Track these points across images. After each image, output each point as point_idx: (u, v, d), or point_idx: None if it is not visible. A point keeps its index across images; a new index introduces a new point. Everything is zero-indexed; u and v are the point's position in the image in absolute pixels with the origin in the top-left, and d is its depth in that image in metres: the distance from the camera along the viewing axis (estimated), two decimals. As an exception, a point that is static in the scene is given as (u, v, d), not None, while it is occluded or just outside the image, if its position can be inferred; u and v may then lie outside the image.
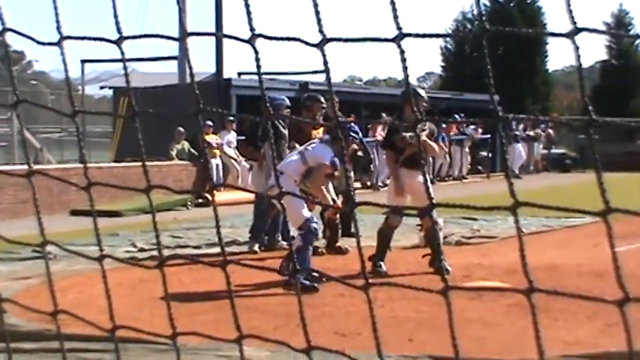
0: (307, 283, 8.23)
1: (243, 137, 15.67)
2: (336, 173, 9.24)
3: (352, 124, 10.16)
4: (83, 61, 32.18)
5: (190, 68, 2.21)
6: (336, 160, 9.07)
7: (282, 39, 1.95)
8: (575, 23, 1.58)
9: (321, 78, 35.86)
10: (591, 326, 6.65)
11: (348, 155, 11.89)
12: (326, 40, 1.86)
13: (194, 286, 8.52)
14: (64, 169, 18.92)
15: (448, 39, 48.36)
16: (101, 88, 36.14)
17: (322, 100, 11.65)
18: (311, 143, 9.57)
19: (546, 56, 47.05)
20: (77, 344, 5.92)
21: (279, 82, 25.54)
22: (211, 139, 21.93)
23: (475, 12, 47.16)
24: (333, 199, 11.10)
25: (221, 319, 5.90)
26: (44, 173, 2.62)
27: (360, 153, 14.19)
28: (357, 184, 21.51)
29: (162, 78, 29.25)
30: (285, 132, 11.65)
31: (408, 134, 9.49)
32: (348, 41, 1.89)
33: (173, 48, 28.31)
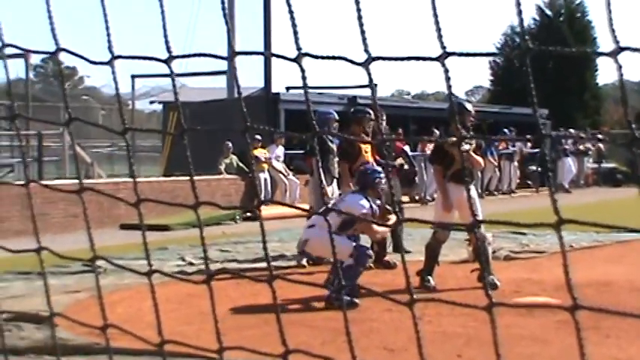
0: (347, 298, 8.19)
1: (302, 151, 15.76)
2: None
3: (376, 166, 10.05)
4: (133, 77, 32.55)
5: (238, 86, 2.23)
6: (374, 205, 9.05)
7: (328, 58, 1.95)
8: (617, 42, 1.56)
9: (369, 92, 35.89)
10: (643, 343, 6.55)
11: (395, 170, 11.85)
12: (371, 59, 1.86)
13: (242, 301, 8.53)
14: (114, 184, 19.10)
15: (496, 53, 48.03)
16: (151, 102, 36.52)
17: (370, 112, 11.63)
18: (345, 195, 9.63)
19: (596, 70, 46.61)
20: (125, 358, 5.96)
21: (327, 97, 25.59)
22: (260, 153, 22.01)
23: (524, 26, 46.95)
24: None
25: (269, 334, 5.90)
26: (94, 189, 2.65)
27: (405, 166, 14.19)
28: (405, 198, 21.45)
29: (211, 93, 29.48)
30: (333, 146, 11.66)
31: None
32: (393, 60, 1.89)
33: (222, 63, 28.51)
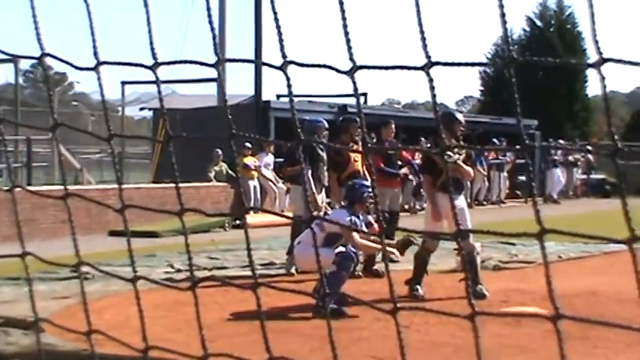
0: (334, 307, 8.19)
1: (282, 159, 15.74)
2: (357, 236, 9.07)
3: (366, 182, 10.01)
4: (123, 83, 32.47)
5: (224, 93, 2.25)
6: (355, 219, 9.03)
7: (313, 66, 1.96)
8: (601, 53, 1.58)
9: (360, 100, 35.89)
10: (631, 354, 6.56)
11: (398, 180, 11.88)
12: (356, 68, 1.87)
13: (230, 308, 8.52)
14: (103, 190, 19.08)
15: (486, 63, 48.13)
16: (141, 109, 36.41)
17: (358, 121, 11.64)
18: (333, 212, 9.62)
19: (586, 81, 46.71)
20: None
21: (317, 105, 25.59)
22: (249, 161, 22.01)
23: (514, 36, 47.24)
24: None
25: (257, 342, 5.88)
26: (80, 195, 2.64)
27: (410, 177, 14.22)
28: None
29: (201, 100, 29.43)
30: (324, 154, 11.65)
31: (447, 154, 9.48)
32: (378, 69, 1.90)
33: (212, 70, 28.44)
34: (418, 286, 9.53)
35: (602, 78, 1.60)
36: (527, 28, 47.32)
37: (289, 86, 2.01)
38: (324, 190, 11.77)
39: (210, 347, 2.30)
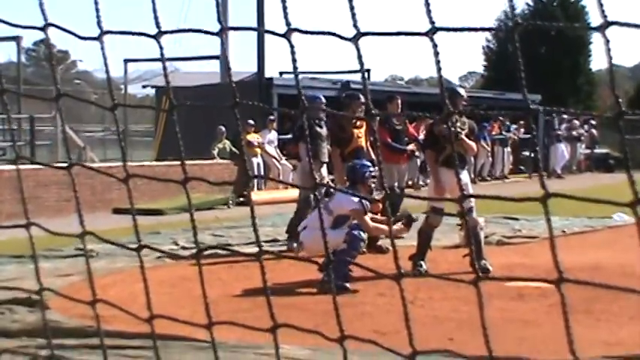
0: (339, 283, 8.21)
1: (288, 136, 15.75)
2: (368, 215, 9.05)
3: (367, 162, 9.96)
4: (126, 61, 32.44)
5: (227, 62, 2.24)
6: (364, 202, 9.00)
7: (317, 33, 1.96)
8: (605, 17, 1.56)
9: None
10: (634, 327, 6.58)
11: (405, 156, 11.85)
12: (360, 35, 1.86)
13: (234, 285, 8.53)
14: (107, 167, 19.09)
15: (490, 38, 47.95)
16: (144, 87, 36.37)
17: (361, 97, 11.60)
18: (334, 194, 9.54)
19: (590, 55, 46.55)
20: (118, 341, 5.98)
21: (320, 82, 25.53)
22: (253, 138, 22.00)
23: (518, 11, 46.97)
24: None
25: (261, 317, 5.90)
26: (84, 166, 2.65)
27: (417, 153, 14.20)
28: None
29: (204, 77, 29.39)
30: (322, 131, 11.62)
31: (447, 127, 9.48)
32: (381, 35, 1.89)
33: (215, 48, 28.48)
34: (422, 262, 9.55)
35: (607, 41, 1.59)
36: (531, 3, 47.14)
37: (293, 53, 2.01)
38: (325, 167, 11.75)
39: (211, 316, 2.31)
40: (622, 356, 5.52)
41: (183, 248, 11.43)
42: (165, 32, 2.20)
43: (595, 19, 1.60)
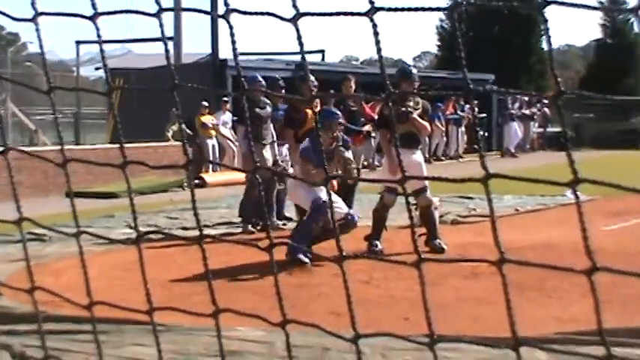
0: (299, 256, 8.35)
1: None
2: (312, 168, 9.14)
3: (335, 109, 10.12)
4: (78, 42, 32.07)
5: (165, 44, 2.22)
6: (305, 151, 9.12)
7: (255, 14, 1.95)
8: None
9: (317, 58, 35.78)
10: (585, 304, 6.65)
11: (361, 137, 11.85)
12: (299, 15, 1.86)
13: (189, 267, 8.50)
14: (59, 151, 18.87)
15: (444, 18, 48.06)
16: (96, 69, 36.02)
17: (314, 79, 11.60)
18: None
19: (541, 35, 46.90)
20: (70, 326, 5.94)
21: (274, 63, 25.46)
22: (207, 119, 21.92)
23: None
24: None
25: (218, 299, 5.90)
26: (19, 150, 2.61)
27: (373, 134, 14.23)
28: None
29: (158, 59, 29.15)
30: (263, 112, 11.57)
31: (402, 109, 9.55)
32: (321, 15, 1.90)
33: (169, 29, 28.20)
34: (377, 242, 9.59)
35: (545, 20, 1.62)
36: (484, -17, 47.35)
37: (232, 35, 2.00)
38: (268, 148, 11.68)
39: (152, 301, 2.30)
40: (574, 332, 5.59)
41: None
42: (102, 13, 2.18)
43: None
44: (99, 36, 2.23)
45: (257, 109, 11.42)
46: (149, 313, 2.24)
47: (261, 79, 11.88)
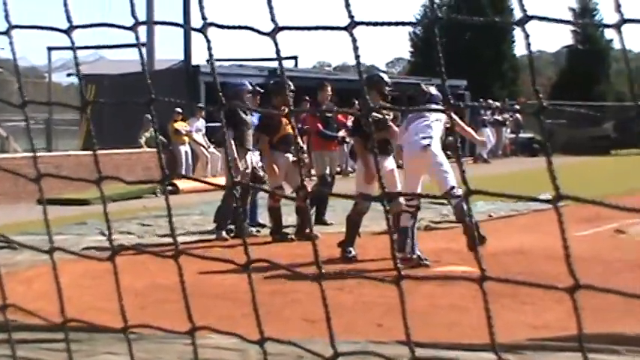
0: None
1: (213, 124, 15.70)
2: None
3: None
4: (50, 49, 31.87)
5: (142, 57, 2.20)
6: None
7: (234, 27, 1.94)
8: (525, 11, 1.59)
9: (289, 64, 35.79)
10: (559, 310, 6.69)
11: (336, 143, 11.93)
12: (278, 29, 1.85)
13: (163, 275, 8.46)
14: (31, 158, 18.74)
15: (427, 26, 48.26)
16: (68, 75, 35.80)
17: (290, 84, 11.63)
18: None
19: (513, 42, 47.22)
20: (43, 335, 5.88)
21: (247, 69, 25.46)
22: (180, 126, 21.86)
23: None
24: (304, 185, 11.06)
25: (191, 308, 5.87)
26: None
27: (347, 139, 14.26)
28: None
29: (131, 65, 29.05)
30: (248, 118, 11.58)
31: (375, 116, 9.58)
32: (299, 29, 1.89)
33: (141, 35, 28.03)
34: (351, 248, 9.59)
35: (527, 36, 1.62)
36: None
37: (209, 49, 1.99)
38: (250, 154, 11.69)
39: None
40: (547, 338, 5.62)
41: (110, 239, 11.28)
42: (77, 27, 2.16)
43: (517, 8, 1.63)
44: (74, 49, 2.22)
45: (243, 115, 11.43)
46: (124, 331, 2.22)
47: (248, 84, 11.94)
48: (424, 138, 9.30)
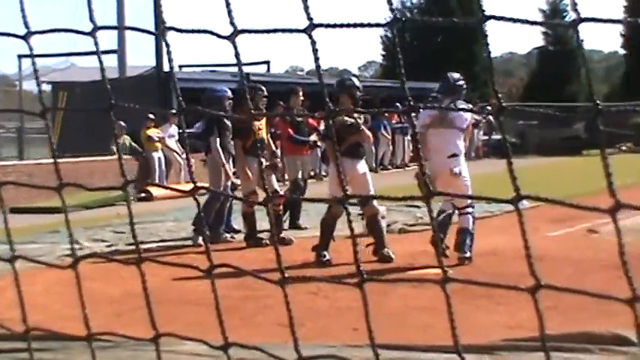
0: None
1: (193, 130, 15.66)
2: None
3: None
4: (20, 56, 31.69)
5: (101, 62, 2.19)
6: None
7: (193, 31, 1.94)
8: (483, 11, 1.61)
9: (262, 69, 35.78)
10: (532, 310, 6.72)
11: (308, 147, 11.97)
12: (237, 32, 1.85)
13: (135, 282, 8.39)
14: (2, 167, 18.62)
15: (388, 28, 48.30)
16: (38, 85, 35.57)
17: (263, 89, 11.66)
18: None
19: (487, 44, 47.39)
20: (15, 344, 5.84)
21: (220, 74, 25.42)
22: (153, 132, 21.79)
23: (414, 0, 47.72)
24: (276, 190, 11.16)
25: (162, 314, 5.83)
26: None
27: (319, 143, 14.26)
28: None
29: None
30: (229, 123, 11.59)
31: (347, 120, 9.61)
32: (259, 32, 1.89)
33: (112, 42, 28.03)
34: (325, 252, 9.59)
35: (485, 35, 1.65)
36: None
37: (169, 53, 1.99)
38: (232, 159, 11.70)
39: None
40: (522, 339, 5.64)
41: (82, 248, 11.22)
42: (35, 32, 2.15)
43: (488, 7, 1.64)
44: (32, 56, 2.20)
45: (225, 121, 11.43)
46: (87, 339, 2.21)
47: (228, 91, 11.95)
48: (453, 156, 9.37)
